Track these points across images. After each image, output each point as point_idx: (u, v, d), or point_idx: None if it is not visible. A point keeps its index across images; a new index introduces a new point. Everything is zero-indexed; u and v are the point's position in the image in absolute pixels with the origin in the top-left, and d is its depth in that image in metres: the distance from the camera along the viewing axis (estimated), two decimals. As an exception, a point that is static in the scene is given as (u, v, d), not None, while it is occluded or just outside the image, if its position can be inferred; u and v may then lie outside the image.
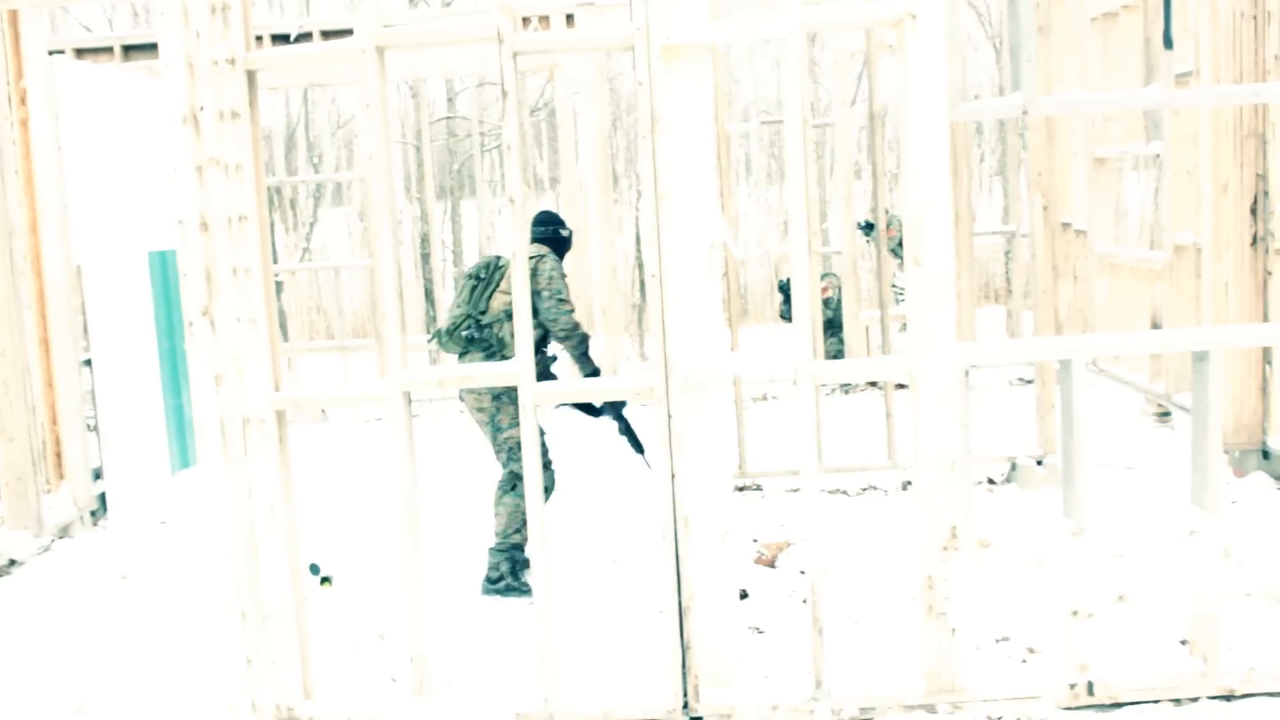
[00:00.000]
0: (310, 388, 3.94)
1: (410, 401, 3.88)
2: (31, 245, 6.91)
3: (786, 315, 10.80)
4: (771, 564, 5.48)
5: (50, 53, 7.03)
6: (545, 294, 5.29)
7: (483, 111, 16.92)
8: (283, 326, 12.83)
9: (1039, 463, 6.77)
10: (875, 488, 6.84)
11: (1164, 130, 7.90)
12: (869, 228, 11.17)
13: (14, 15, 6.80)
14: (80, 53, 8.55)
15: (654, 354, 3.75)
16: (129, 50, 8.60)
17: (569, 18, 8.59)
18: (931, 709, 3.86)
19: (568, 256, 5.48)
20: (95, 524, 7.04)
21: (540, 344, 5.41)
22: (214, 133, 3.80)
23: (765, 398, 10.01)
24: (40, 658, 4.88)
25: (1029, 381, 10.11)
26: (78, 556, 6.39)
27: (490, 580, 5.34)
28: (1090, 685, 3.86)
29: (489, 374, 3.88)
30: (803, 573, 5.28)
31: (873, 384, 10.19)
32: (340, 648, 4.74)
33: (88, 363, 7.21)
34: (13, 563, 6.27)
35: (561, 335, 5.30)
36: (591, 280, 10.33)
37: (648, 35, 3.62)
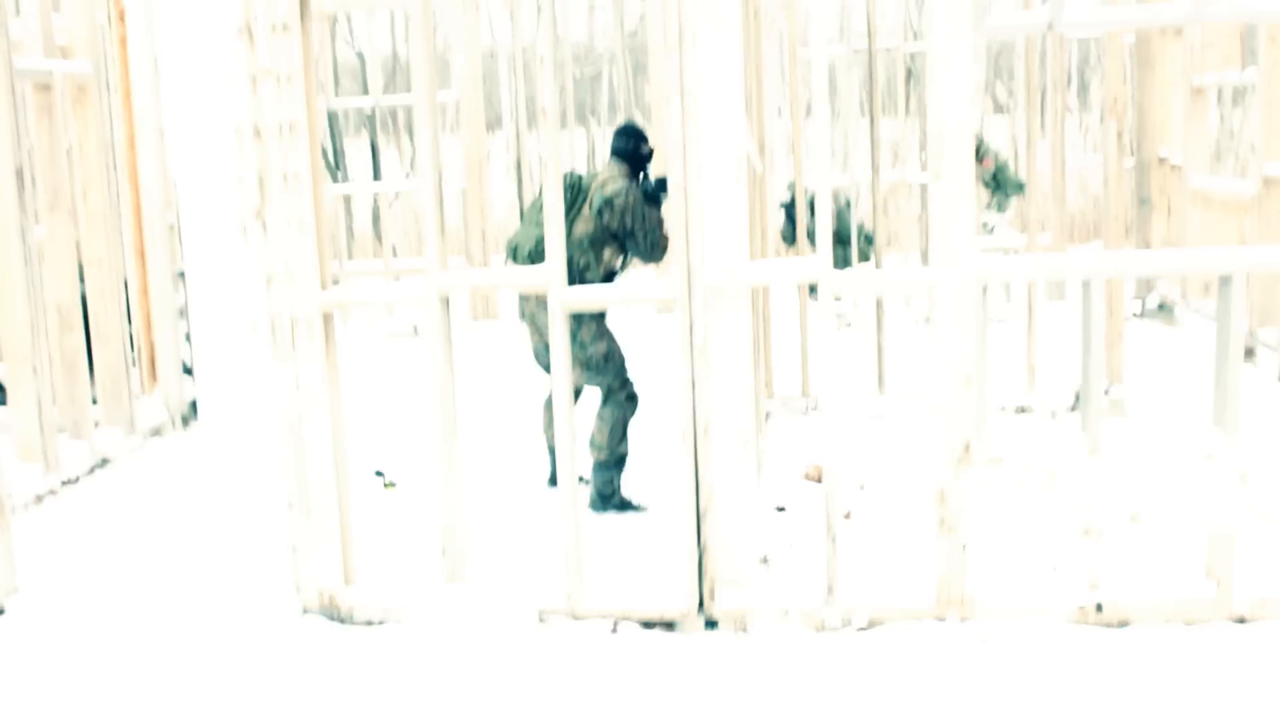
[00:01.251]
0: (355, 289, 4.14)
1: (448, 304, 4.06)
2: (129, 160, 7.23)
3: (787, 236, 10.76)
4: (819, 480, 5.59)
5: (147, -28, 7.29)
6: (640, 233, 5.34)
7: (590, 38, 17.01)
8: (381, 242, 13.14)
9: (1105, 394, 6.74)
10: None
11: (1259, 57, 7.74)
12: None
13: (114, -64, 7.08)
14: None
15: (678, 264, 3.86)
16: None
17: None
18: (940, 619, 3.96)
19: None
20: (186, 427, 7.40)
21: (611, 274, 5.56)
22: (267, 45, 4.00)
23: (850, 324, 10.04)
24: (120, 545, 5.22)
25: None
26: (166, 456, 6.75)
27: (603, 496, 5.39)
28: (1099, 605, 3.92)
29: (521, 279, 4.04)
30: (845, 490, 5.39)
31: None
32: (394, 545, 4.97)
33: (182, 274, 7.53)
34: (106, 460, 6.63)
35: (659, 260, 5.46)
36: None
37: (676, -48, 3.71)
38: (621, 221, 5.30)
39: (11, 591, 4.56)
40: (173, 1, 7.08)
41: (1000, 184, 10.08)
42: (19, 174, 5.92)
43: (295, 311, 4.09)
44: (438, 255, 3.99)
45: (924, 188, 12.30)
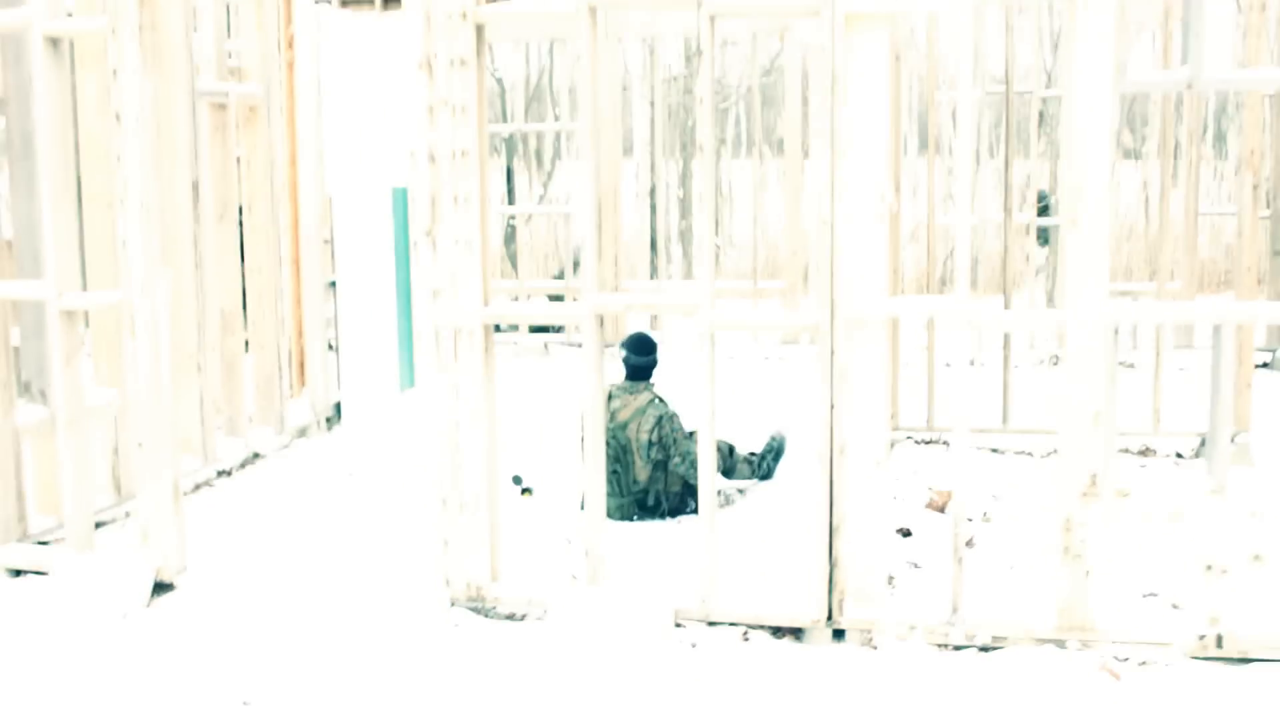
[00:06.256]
0: (515, 306, 4.43)
1: (602, 323, 4.33)
2: (290, 177, 7.66)
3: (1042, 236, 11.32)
4: (941, 509, 5.75)
5: (316, 1, 7.72)
6: (677, 459, 5.69)
7: (723, 73, 17.28)
8: (515, 265, 13.54)
9: (1230, 440, 6.79)
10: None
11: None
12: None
13: (286, -34, 7.54)
14: (344, 3, 9.25)
15: (821, 294, 4.09)
16: (387, 2, 9.27)
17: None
18: (1061, 644, 4.11)
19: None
20: (330, 429, 7.79)
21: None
22: (445, 78, 4.31)
23: (973, 363, 10.15)
24: (273, 532, 5.58)
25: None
26: (312, 455, 7.14)
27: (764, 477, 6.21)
28: (1220, 638, 4.04)
29: (673, 302, 4.30)
30: (969, 519, 5.55)
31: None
32: (531, 547, 5.25)
33: (333, 285, 7.94)
34: (257, 455, 7.04)
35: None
36: (809, 239, 10.68)
37: (833, 3, 3.95)
38: (668, 454, 5.72)
39: (181, 570, 4.92)
40: (337, 32, 7.52)
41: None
42: (194, 187, 6.33)
43: (458, 323, 4.39)
44: (594, 277, 4.27)
45: (1051, 230, 12.38)
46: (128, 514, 5.79)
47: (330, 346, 8.13)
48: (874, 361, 4.11)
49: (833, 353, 4.10)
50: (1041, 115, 12.68)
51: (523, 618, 4.50)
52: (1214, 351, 4.04)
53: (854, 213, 4.03)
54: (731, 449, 6.03)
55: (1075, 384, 3.99)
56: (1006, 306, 7.10)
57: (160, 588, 4.84)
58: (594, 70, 4.19)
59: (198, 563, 5.08)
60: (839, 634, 4.25)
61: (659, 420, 5.65)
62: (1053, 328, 4.01)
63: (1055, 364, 10.17)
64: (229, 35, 7.63)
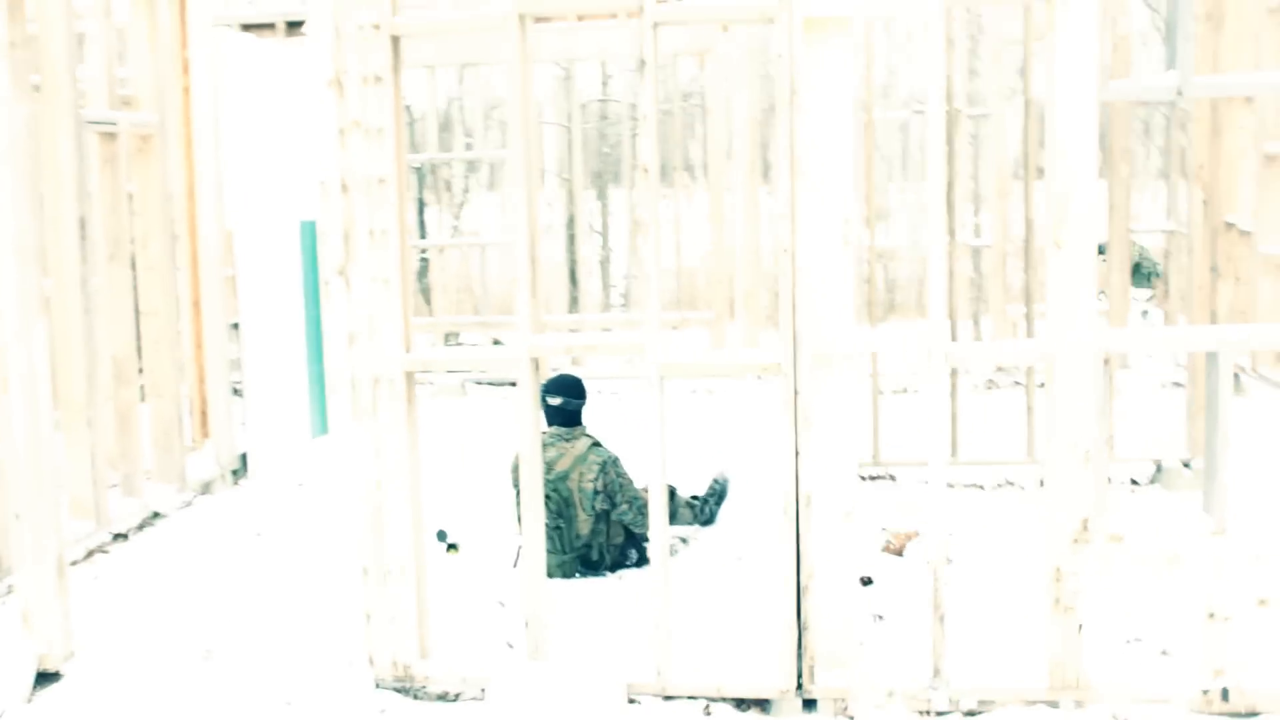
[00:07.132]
0: (440, 351, 3.99)
1: (538, 368, 3.90)
2: (188, 211, 7.14)
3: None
4: (899, 553, 5.39)
5: (214, 25, 7.22)
6: (624, 506, 5.24)
7: (638, 95, 16.99)
8: (428, 300, 13.03)
9: (1186, 465, 6.54)
10: (1012, 483, 6.67)
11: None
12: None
13: (181, -13, 7.04)
14: (246, 27, 8.74)
15: (783, 329, 3.70)
16: (292, 26, 8.77)
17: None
18: (1054, 705, 3.75)
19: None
20: (236, 482, 7.24)
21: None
22: (357, 96, 3.87)
23: (905, 390, 9.84)
24: (174, 605, 5.04)
25: (1180, 385, 9.75)
26: (217, 512, 6.58)
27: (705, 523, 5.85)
28: (1225, 691, 3.71)
29: (617, 343, 3.88)
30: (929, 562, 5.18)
31: (1017, 382, 9.97)
32: (461, 612, 4.78)
33: (236, 326, 7.41)
34: (156, 515, 6.48)
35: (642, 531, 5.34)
36: (735, 268, 10.34)
37: (790, 7, 3.57)
38: (614, 503, 5.25)
39: (68, 656, 4.39)
40: (238, 56, 7.03)
41: (1136, 269, 10.06)
42: (81, 224, 5.80)
43: (377, 371, 3.93)
44: (529, 317, 3.84)
45: (975, 251, 12.16)
46: (9, 589, 5.22)
47: (235, 392, 7.60)
48: (842, 402, 3.72)
49: (796, 393, 3.70)
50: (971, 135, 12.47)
51: (457, 698, 4.04)
52: (1208, 379, 3.71)
53: (816, 239, 3.64)
54: (673, 492, 5.60)
55: (1064, 420, 3.63)
56: (953, 335, 6.78)
57: (44, 678, 4.30)
58: (524, 84, 3.78)
59: (88, 646, 4.54)
60: (810, 704, 3.85)
61: (603, 466, 5.18)
62: (1037, 359, 3.65)
63: (990, 389, 9.91)
64: (120, 61, 7.10)
